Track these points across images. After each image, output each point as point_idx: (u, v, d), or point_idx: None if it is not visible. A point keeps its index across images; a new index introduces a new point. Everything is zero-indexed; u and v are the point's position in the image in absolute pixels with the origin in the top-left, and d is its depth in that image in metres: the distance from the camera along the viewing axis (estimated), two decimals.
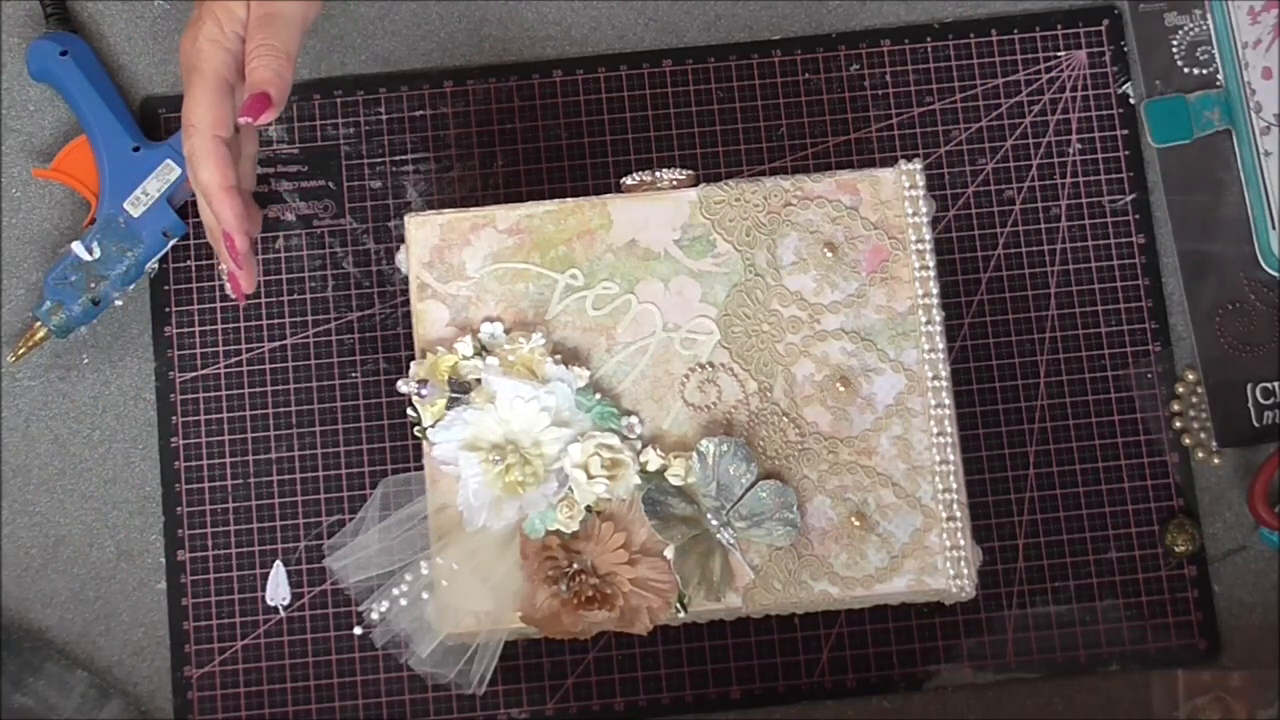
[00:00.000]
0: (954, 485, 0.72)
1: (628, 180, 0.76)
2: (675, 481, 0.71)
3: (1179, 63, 0.89)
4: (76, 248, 0.85)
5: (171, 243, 0.86)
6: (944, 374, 0.73)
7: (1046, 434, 0.86)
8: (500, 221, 0.75)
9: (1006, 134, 0.89)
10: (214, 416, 0.86)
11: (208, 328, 0.87)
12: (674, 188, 0.75)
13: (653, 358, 0.74)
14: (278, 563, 0.85)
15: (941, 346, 0.73)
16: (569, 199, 0.75)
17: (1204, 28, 0.89)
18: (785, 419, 0.73)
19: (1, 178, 0.90)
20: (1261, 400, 0.86)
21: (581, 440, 0.71)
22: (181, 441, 0.86)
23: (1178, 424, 0.86)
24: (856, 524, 0.72)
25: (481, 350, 0.73)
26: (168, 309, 0.88)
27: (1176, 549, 0.84)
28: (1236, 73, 0.88)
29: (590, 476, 0.71)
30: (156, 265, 0.87)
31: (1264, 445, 0.85)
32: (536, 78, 0.90)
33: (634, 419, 0.72)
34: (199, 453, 0.86)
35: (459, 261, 0.74)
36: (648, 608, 0.71)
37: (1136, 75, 0.89)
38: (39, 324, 0.85)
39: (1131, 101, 0.89)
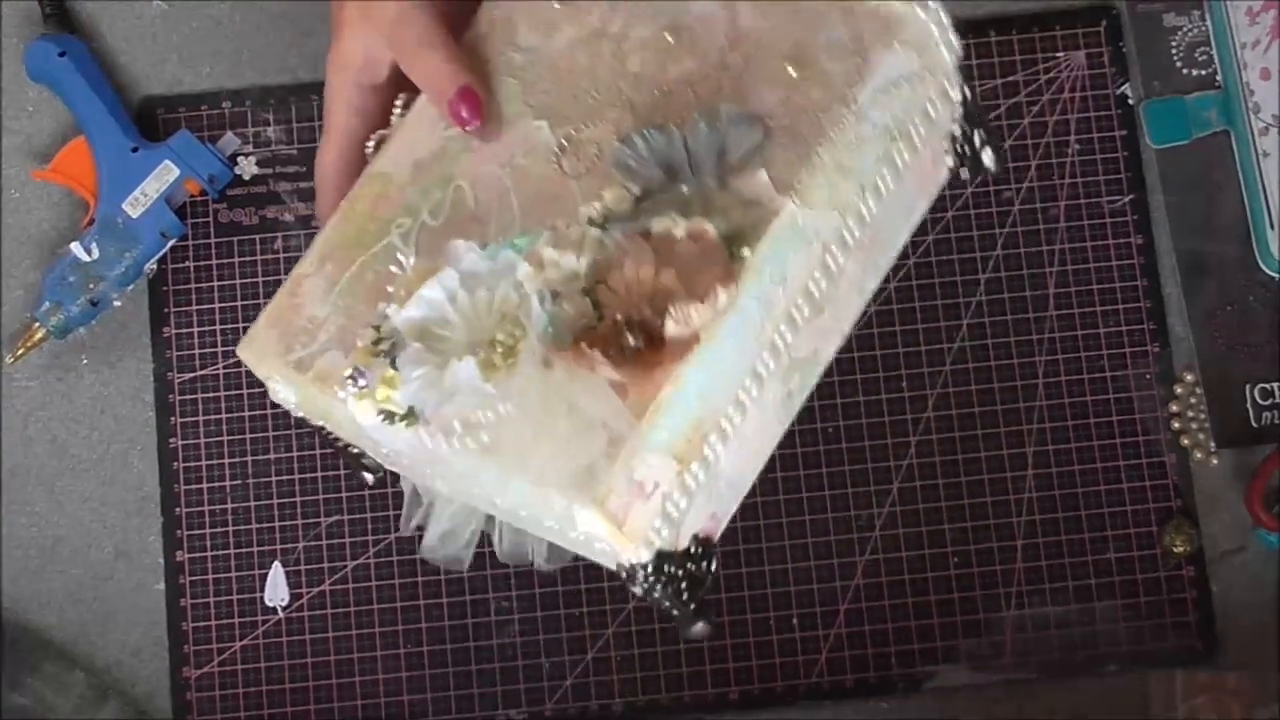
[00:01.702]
0: None
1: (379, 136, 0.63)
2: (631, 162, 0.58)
3: (1177, 63, 0.89)
4: (75, 248, 0.85)
5: (170, 243, 0.86)
6: None
7: (1045, 435, 0.86)
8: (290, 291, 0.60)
9: (1005, 135, 0.89)
10: (212, 417, 0.86)
11: (206, 328, 0.87)
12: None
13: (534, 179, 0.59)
14: (276, 563, 0.85)
15: None
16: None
17: (1202, 28, 0.89)
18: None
19: (0, 179, 0.90)
20: (1260, 401, 0.86)
21: (515, 273, 0.58)
22: (180, 442, 0.86)
23: (1176, 425, 0.86)
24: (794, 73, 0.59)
25: (380, 339, 0.59)
26: (166, 310, 0.88)
27: (1174, 550, 0.84)
28: (1235, 73, 0.88)
29: (547, 266, 0.58)
30: (155, 266, 0.87)
31: (1262, 446, 0.85)
32: None
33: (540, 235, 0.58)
34: (197, 453, 0.86)
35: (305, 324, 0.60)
36: (709, 269, 0.56)
37: (1135, 76, 0.89)
38: (37, 325, 0.85)
39: (1130, 102, 0.89)
